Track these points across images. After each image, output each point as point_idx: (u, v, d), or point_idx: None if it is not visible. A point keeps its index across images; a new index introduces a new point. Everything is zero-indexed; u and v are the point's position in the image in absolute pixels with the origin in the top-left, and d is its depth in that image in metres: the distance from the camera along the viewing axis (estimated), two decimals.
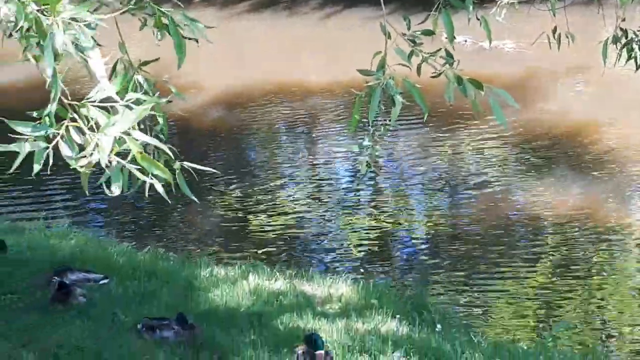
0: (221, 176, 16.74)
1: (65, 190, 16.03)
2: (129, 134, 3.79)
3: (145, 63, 4.31)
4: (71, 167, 3.83)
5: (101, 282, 10.01)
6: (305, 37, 28.20)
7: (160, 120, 5.18)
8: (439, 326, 10.07)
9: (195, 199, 4.24)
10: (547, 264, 12.91)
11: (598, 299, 11.96)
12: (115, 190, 3.89)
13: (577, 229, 13.89)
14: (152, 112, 4.75)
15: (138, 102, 3.89)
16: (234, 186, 16.20)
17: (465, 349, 9.08)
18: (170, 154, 4.09)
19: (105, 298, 9.60)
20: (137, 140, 3.73)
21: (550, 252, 13.32)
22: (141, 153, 3.76)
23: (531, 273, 12.66)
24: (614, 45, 7.11)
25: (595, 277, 12.54)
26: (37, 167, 3.85)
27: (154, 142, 3.89)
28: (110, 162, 3.82)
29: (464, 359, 8.88)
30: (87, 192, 4.18)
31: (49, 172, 4.03)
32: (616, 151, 16.99)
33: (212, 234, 14.53)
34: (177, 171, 4.17)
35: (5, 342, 8.09)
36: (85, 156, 3.73)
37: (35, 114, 4.02)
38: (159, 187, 3.93)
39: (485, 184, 15.94)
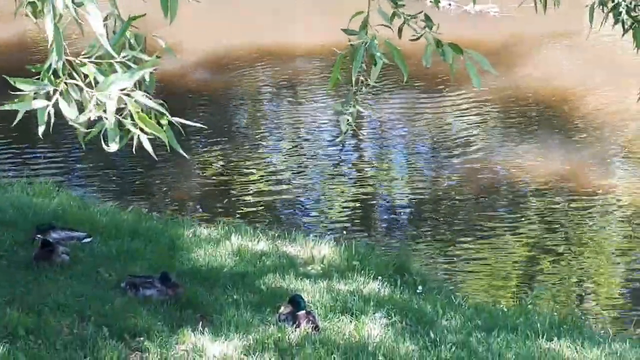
0: (204, 138, 16.72)
1: (47, 149, 15.98)
2: (128, 94, 3.82)
3: (134, 18, 4.30)
4: (70, 124, 3.86)
5: (84, 240, 10.02)
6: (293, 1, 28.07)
7: (147, 77, 5.18)
8: (420, 288, 10.15)
9: (185, 154, 4.28)
10: (529, 228, 13.02)
11: (578, 262, 12.08)
12: (113, 146, 3.92)
13: (558, 194, 13.99)
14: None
15: (133, 59, 3.91)
16: (217, 148, 16.20)
17: (446, 311, 9.17)
18: (168, 114, 4.11)
19: (89, 256, 9.62)
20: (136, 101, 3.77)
21: (532, 216, 13.43)
22: (139, 113, 3.79)
23: (512, 236, 12.76)
24: (600, 9, 7.12)
25: (575, 241, 12.66)
26: (42, 128, 3.87)
27: (154, 105, 3.92)
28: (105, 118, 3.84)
29: (444, 320, 8.97)
30: (84, 146, 4.21)
31: (34, 132, 4.05)
32: (600, 116, 17.07)
33: (195, 195, 14.56)
34: (164, 126, 4.19)
35: None
36: (85, 115, 3.76)
37: (33, 69, 4.03)
38: (147, 145, 3.96)
39: (467, 148, 16.00)
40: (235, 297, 8.88)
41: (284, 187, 14.77)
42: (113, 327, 7.78)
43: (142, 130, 3.94)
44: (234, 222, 12.15)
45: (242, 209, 13.84)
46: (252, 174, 15.27)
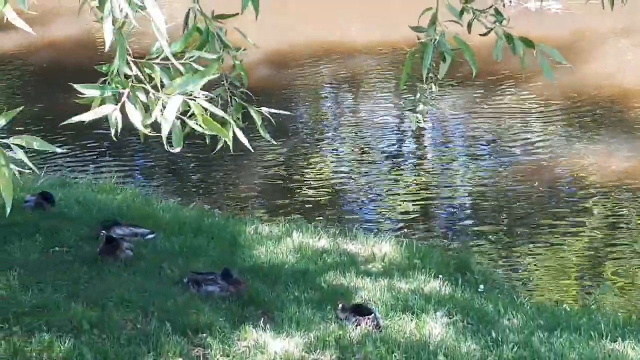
0: (268, 133, 16.74)
1: (111, 146, 16.17)
2: (194, 98, 3.87)
3: (222, 16, 4.38)
4: (137, 129, 3.92)
5: (148, 236, 10.13)
6: None
7: (241, 71, 5.31)
8: (481, 287, 10.09)
9: (250, 148, 4.35)
10: (592, 228, 12.86)
11: None
12: (177, 147, 3.98)
13: (623, 193, 13.79)
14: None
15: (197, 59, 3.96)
16: (278, 145, 16.26)
17: (508, 310, 9.10)
18: (230, 120, 4.17)
19: (152, 252, 9.72)
20: (200, 104, 3.81)
21: (595, 216, 13.26)
22: (203, 116, 3.83)
23: (576, 236, 12.61)
24: None
25: (639, 241, 12.46)
26: (113, 131, 3.94)
27: (217, 110, 3.96)
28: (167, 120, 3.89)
29: (506, 319, 8.90)
30: (142, 140, 4.29)
31: (94, 131, 4.12)
32: None
33: (256, 192, 14.63)
34: (258, 118, 4.29)
35: (55, 292, 8.23)
36: (150, 118, 3.82)
37: (103, 69, 4.09)
38: (243, 138, 4.02)
39: (530, 146, 15.86)
40: (296, 294, 8.90)
41: (345, 184, 14.78)
42: (176, 322, 7.85)
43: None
44: (295, 219, 12.18)
45: (303, 206, 13.87)
46: (313, 171, 15.30)
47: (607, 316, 9.30)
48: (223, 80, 5.55)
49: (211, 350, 7.48)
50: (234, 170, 15.34)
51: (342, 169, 15.39)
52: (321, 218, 13.17)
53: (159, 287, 8.65)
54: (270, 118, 5.55)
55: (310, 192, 14.45)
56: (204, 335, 7.71)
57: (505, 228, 12.97)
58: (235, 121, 5.67)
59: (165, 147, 4.01)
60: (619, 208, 13.37)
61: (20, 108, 4.08)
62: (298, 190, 14.54)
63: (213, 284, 8.64)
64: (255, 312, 8.40)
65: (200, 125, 3.87)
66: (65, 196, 11.62)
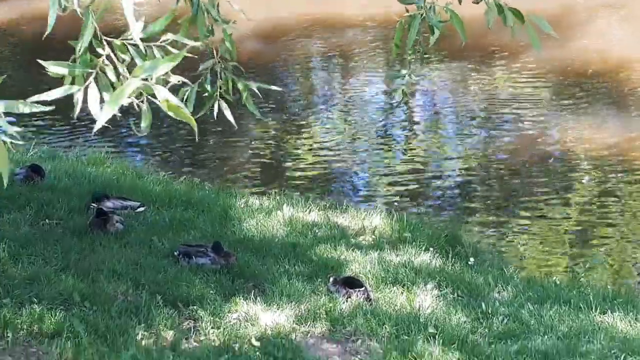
0: (257, 107, 16.71)
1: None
2: (167, 81, 3.83)
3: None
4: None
5: (138, 209, 10.12)
6: None
7: (228, 44, 5.29)
8: (472, 260, 10.11)
9: (259, 115, 4.35)
10: (582, 201, 12.89)
11: (633, 235, 11.93)
12: (144, 129, 3.96)
13: (612, 166, 13.82)
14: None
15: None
16: (268, 118, 16.22)
17: (498, 283, 9.15)
18: (186, 110, 4.12)
19: (142, 225, 9.71)
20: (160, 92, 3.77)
21: (586, 189, 13.29)
22: (168, 102, 3.80)
23: (565, 209, 12.65)
24: None
25: (629, 214, 12.50)
26: (77, 110, 3.92)
27: (176, 101, 3.93)
28: (140, 103, 3.88)
29: (496, 292, 8.95)
30: (94, 132, 4.29)
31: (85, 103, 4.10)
32: None
33: (246, 166, 14.61)
34: (245, 92, 4.26)
35: (46, 265, 8.23)
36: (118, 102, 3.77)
37: (75, 45, 4.05)
38: (229, 114, 3.99)
39: (520, 119, 15.86)
40: (286, 267, 8.92)
41: (335, 158, 14.77)
42: (166, 295, 7.87)
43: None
44: (285, 193, 12.18)
45: (293, 180, 13.87)
46: (303, 144, 15.29)
47: (596, 289, 9.36)
48: (213, 54, 5.54)
49: (202, 322, 7.51)
50: (224, 143, 15.31)
51: (333, 142, 15.37)
52: (312, 191, 13.16)
53: (150, 259, 8.66)
54: (258, 93, 5.54)
55: (301, 165, 14.44)
56: (195, 307, 7.73)
57: (495, 201, 13.00)
58: (223, 95, 5.67)
59: (133, 129, 4.01)
60: (608, 181, 13.40)
61: (3, 77, 4.05)
62: (289, 164, 14.52)
63: (204, 256, 8.65)
64: (245, 285, 8.43)
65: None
66: (55, 169, 11.58)
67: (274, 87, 5.40)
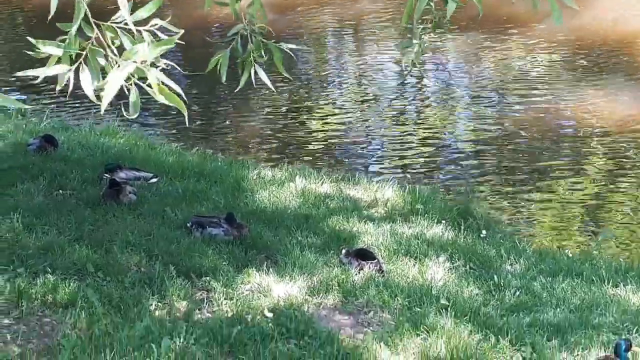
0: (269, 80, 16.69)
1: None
2: (154, 65, 3.84)
3: None
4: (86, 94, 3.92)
5: (151, 180, 10.14)
6: None
7: (259, 6, 5.29)
8: (484, 232, 10.11)
9: (290, 77, 4.38)
10: (595, 173, 12.85)
11: None
12: (133, 113, 3.97)
13: (626, 138, 13.76)
14: None
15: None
16: (280, 90, 16.19)
17: (510, 255, 9.15)
18: (181, 92, 4.13)
19: (155, 196, 9.73)
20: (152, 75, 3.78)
21: (598, 161, 13.24)
22: (159, 85, 3.80)
23: (578, 182, 12.61)
24: None
25: None
26: (59, 87, 3.94)
27: (171, 83, 3.93)
28: (129, 86, 3.88)
29: (508, 264, 8.95)
30: (102, 112, 4.29)
31: None
32: None
33: (259, 137, 14.60)
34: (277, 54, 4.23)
35: (59, 235, 8.26)
36: (102, 88, 3.80)
37: (63, 27, 4.06)
38: (265, 78, 3.99)
39: (533, 91, 15.79)
40: (299, 238, 8.93)
41: (348, 129, 14.75)
42: (180, 266, 7.88)
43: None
44: (297, 165, 12.17)
45: (305, 152, 13.86)
46: (316, 116, 15.26)
47: (608, 262, 9.35)
48: (241, 19, 5.53)
49: (215, 293, 7.53)
50: (236, 115, 15.30)
51: (345, 114, 15.34)
52: (324, 163, 13.16)
53: (163, 230, 8.68)
54: (291, 53, 5.54)
55: (313, 137, 14.43)
56: (208, 278, 7.75)
57: (507, 174, 12.96)
58: (256, 59, 5.67)
59: (123, 112, 4.02)
60: (622, 154, 13.34)
61: None
62: (301, 136, 14.51)
63: (216, 227, 8.66)
64: (258, 256, 8.44)
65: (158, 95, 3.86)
66: (68, 139, 11.60)
67: (303, 47, 5.45)
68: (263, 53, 5.60)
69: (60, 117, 14.70)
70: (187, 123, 4.38)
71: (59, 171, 10.06)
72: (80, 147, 11.24)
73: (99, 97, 3.87)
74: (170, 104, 3.93)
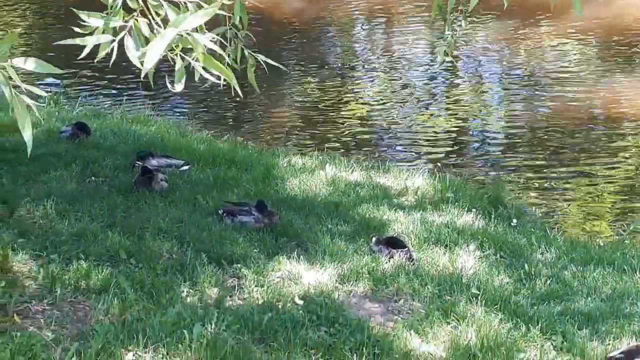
0: (298, 68, 16.73)
1: (145, 79, 16.16)
2: (196, 32, 3.83)
3: None
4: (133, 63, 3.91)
5: (182, 167, 10.19)
6: None
7: (240, 14, 5.26)
8: (514, 221, 10.08)
9: (240, 93, 4.34)
10: (627, 163, 12.77)
11: None
12: (178, 87, 3.97)
13: None
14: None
15: None
16: (310, 78, 16.21)
17: (541, 244, 9.11)
18: (228, 59, 4.14)
19: (187, 184, 9.79)
20: (199, 41, 3.77)
21: (630, 150, 13.16)
22: (204, 54, 3.80)
23: (610, 171, 12.55)
24: None
25: None
26: (101, 54, 3.94)
27: (216, 48, 3.93)
28: (174, 59, 3.88)
29: (539, 253, 8.92)
30: (152, 85, 4.30)
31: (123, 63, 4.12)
32: None
33: (289, 125, 14.63)
34: (252, 65, 4.23)
35: (92, 222, 8.33)
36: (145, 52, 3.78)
37: (105, 2, 4.08)
38: (232, 80, 4.01)
39: (564, 80, 15.71)
40: (329, 226, 8.94)
41: (378, 117, 14.74)
42: (211, 253, 7.92)
43: (205, 69, 3.97)
44: (327, 152, 12.19)
45: (335, 139, 13.87)
46: (346, 104, 15.27)
47: None
48: (225, 22, 5.51)
49: (246, 281, 7.56)
50: (267, 103, 15.34)
51: (375, 102, 15.34)
52: (354, 151, 13.17)
53: (194, 217, 8.72)
54: (265, 68, 5.50)
55: (343, 125, 14.44)
56: (239, 265, 7.78)
57: (538, 162, 12.92)
58: (230, 63, 5.64)
59: (168, 86, 4.02)
60: None
61: (15, 31, 4.11)
62: (331, 124, 14.52)
63: (247, 214, 8.69)
64: (288, 244, 8.46)
65: (203, 68, 3.84)
66: (100, 127, 11.69)
67: (279, 65, 5.38)
68: (238, 60, 5.58)
69: (93, 104, 14.80)
70: (240, 94, 4.35)
71: (92, 158, 10.14)
72: (112, 134, 11.32)
73: (142, 64, 3.86)
74: (216, 74, 3.90)
